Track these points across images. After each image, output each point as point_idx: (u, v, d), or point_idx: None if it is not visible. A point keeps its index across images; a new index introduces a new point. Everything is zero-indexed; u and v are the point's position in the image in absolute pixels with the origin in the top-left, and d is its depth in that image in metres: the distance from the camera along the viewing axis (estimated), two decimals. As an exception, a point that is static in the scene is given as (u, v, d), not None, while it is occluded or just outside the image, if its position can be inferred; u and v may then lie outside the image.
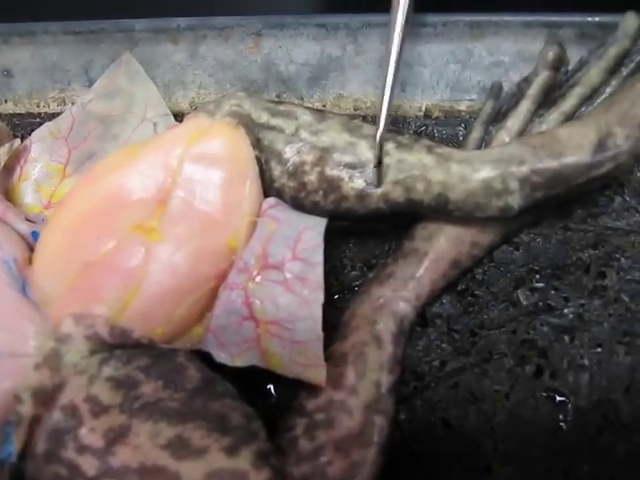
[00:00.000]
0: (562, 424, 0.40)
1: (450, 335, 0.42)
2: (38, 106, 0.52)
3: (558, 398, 0.40)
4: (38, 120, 0.52)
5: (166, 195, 0.39)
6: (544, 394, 0.41)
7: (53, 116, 0.50)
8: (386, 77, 0.39)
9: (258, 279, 0.38)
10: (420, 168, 0.39)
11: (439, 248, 0.41)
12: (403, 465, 0.40)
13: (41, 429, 0.35)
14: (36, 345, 0.36)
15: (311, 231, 0.38)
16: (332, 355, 0.39)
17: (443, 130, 0.47)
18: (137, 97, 0.47)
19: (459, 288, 0.43)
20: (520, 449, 0.40)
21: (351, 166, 0.39)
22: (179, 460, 0.33)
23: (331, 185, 0.39)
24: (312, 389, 0.38)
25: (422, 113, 0.48)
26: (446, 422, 0.41)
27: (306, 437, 0.37)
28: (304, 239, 0.38)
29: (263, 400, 0.42)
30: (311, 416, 0.38)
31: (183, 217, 0.38)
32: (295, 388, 0.40)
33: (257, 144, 0.40)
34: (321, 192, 0.40)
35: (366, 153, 0.39)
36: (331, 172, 0.39)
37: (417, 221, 0.43)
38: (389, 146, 0.40)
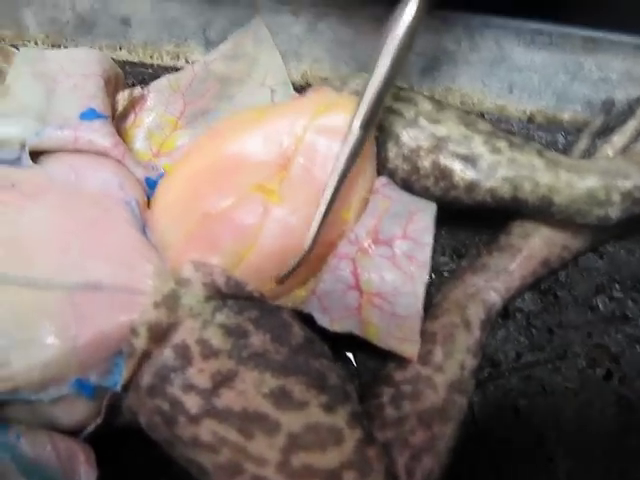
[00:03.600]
0: (626, 427, 0.42)
1: (528, 330, 0.44)
2: (152, 57, 0.54)
3: (624, 403, 0.42)
4: (150, 71, 0.53)
5: (288, 160, 0.40)
6: (612, 397, 0.42)
7: (165, 69, 0.52)
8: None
9: (368, 252, 0.40)
10: (530, 169, 0.41)
11: (533, 246, 0.43)
12: (470, 444, 0.42)
13: (149, 364, 0.37)
14: (154, 285, 0.38)
15: (422, 213, 0.40)
16: (421, 333, 0.41)
17: (544, 136, 0.49)
18: (259, 63, 0.49)
19: (542, 287, 0.45)
20: (582, 446, 0.42)
21: (464, 158, 0.41)
22: (280, 410, 0.35)
23: (443, 173, 0.41)
24: (400, 362, 0.40)
25: (526, 117, 0.50)
26: (516, 410, 0.43)
27: (392, 405, 0.39)
28: (415, 220, 0.40)
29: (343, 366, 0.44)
30: (398, 387, 0.40)
31: (302, 183, 0.40)
32: (374, 359, 0.43)
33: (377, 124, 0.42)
34: (432, 178, 0.42)
35: (479, 147, 0.41)
36: (444, 161, 0.41)
37: (513, 218, 0.44)
38: (501, 144, 0.42)
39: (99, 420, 0.38)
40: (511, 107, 0.50)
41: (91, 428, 0.38)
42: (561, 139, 0.49)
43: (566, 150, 0.47)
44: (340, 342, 0.40)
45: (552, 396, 0.43)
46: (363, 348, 0.40)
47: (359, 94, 0.35)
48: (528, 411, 0.42)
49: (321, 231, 0.38)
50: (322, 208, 0.38)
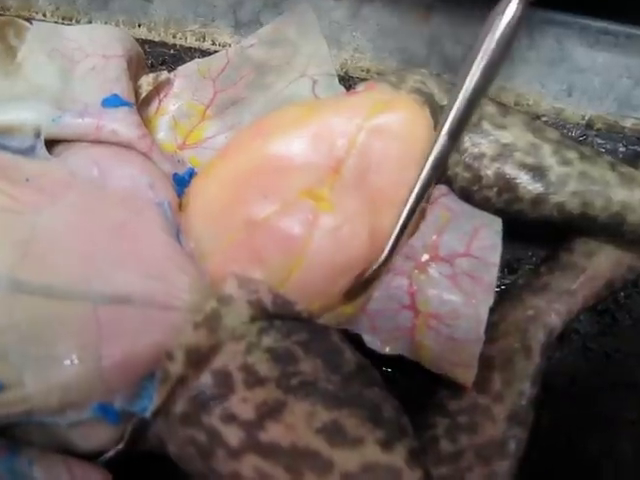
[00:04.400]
0: (687, 462, 0.39)
1: (584, 354, 0.42)
2: (174, 37, 0.49)
3: (686, 436, 0.40)
4: (172, 52, 0.49)
5: (339, 163, 0.36)
6: (673, 429, 0.40)
7: (189, 50, 0.48)
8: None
9: (426, 269, 0.36)
10: (602, 184, 0.38)
11: (598, 267, 0.40)
12: (522, 475, 0.39)
13: (183, 390, 0.34)
14: (191, 300, 0.34)
15: (488, 229, 0.37)
16: (477, 357, 0.38)
17: (603, 144, 0.46)
18: (302, 51, 0.44)
19: (599, 308, 0.42)
20: (640, 477, 0.39)
21: (531, 168, 0.38)
22: (334, 447, 0.32)
23: (508, 184, 0.38)
24: (454, 389, 0.37)
25: (584, 122, 0.46)
26: (569, 439, 0.40)
27: (447, 438, 0.36)
28: (481, 236, 0.37)
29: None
30: (454, 417, 0.37)
31: (354, 189, 0.37)
32: (413, 378, 0.40)
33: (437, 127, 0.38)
34: (495, 189, 0.38)
35: (548, 158, 0.38)
36: (510, 171, 0.38)
37: (572, 234, 0.41)
38: (572, 155, 0.38)
39: (121, 446, 0.34)
40: (569, 111, 0.46)
41: (111, 453, 0.34)
42: (621, 148, 0.46)
43: (626, 160, 0.43)
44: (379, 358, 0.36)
45: (608, 425, 0.40)
46: (401, 364, 0.37)
47: (448, 98, 0.31)
48: (583, 441, 0.39)
49: (399, 244, 0.35)
50: (403, 217, 0.34)
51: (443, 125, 0.32)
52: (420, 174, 0.33)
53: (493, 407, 0.36)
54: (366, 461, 0.32)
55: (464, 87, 0.30)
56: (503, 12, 0.29)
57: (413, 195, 0.34)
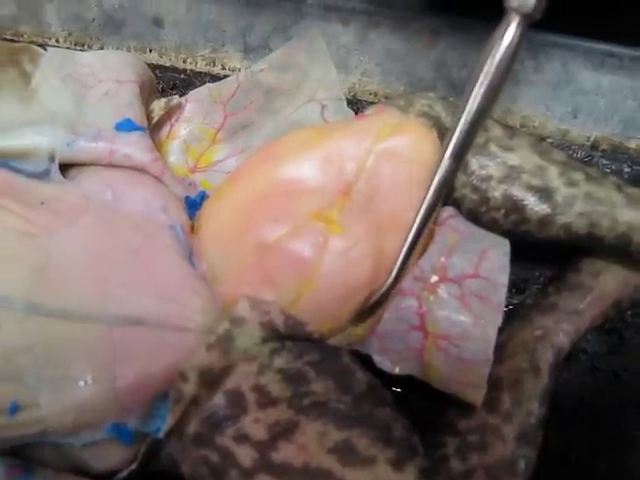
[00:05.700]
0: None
1: (592, 373, 0.42)
2: (185, 62, 0.50)
3: (696, 455, 0.40)
4: (182, 76, 0.50)
5: (349, 187, 0.37)
6: (683, 449, 0.40)
7: (199, 75, 0.48)
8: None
9: (435, 290, 0.37)
10: (609, 205, 0.38)
11: (605, 286, 0.40)
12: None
13: (197, 410, 0.34)
14: (204, 322, 0.34)
15: (496, 250, 0.37)
16: (486, 377, 0.38)
17: (608, 164, 0.46)
18: (311, 76, 0.45)
19: (607, 327, 0.43)
20: (650, 498, 0.39)
21: (538, 190, 0.39)
22: (345, 466, 0.32)
23: (515, 206, 0.39)
24: (463, 408, 0.37)
25: (589, 143, 0.47)
26: (578, 459, 0.40)
27: (458, 457, 0.36)
28: (489, 257, 0.37)
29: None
30: (464, 436, 0.37)
31: (364, 213, 0.37)
32: (423, 398, 0.39)
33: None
34: (503, 211, 0.39)
35: (554, 180, 0.39)
36: (517, 193, 0.39)
37: (578, 253, 0.42)
38: (578, 176, 0.39)
39: (134, 466, 0.34)
40: (574, 132, 0.47)
41: (124, 473, 0.35)
42: (626, 169, 0.46)
43: (631, 181, 0.44)
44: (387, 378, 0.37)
45: (617, 444, 0.40)
46: (405, 382, 0.37)
47: (451, 121, 0.32)
48: (591, 459, 0.39)
49: (406, 267, 0.35)
50: (409, 240, 0.35)
51: (447, 148, 0.32)
52: (425, 197, 0.33)
53: (502, 426, 0.37)
54: None
55: (466, 110, 0.31)
56: (502, 36, 0.29)
57: (419, 218, 0.34)
